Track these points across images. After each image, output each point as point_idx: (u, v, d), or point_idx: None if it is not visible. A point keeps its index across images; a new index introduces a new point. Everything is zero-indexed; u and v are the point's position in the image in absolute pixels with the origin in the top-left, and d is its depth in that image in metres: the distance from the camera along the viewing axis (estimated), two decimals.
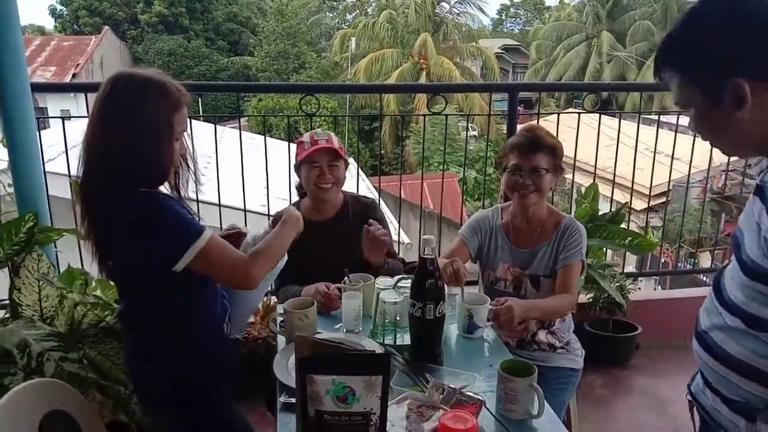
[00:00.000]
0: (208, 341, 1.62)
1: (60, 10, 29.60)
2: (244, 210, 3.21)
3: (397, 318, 1.70)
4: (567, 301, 2.07)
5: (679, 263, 9.54)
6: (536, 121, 3.38)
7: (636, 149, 3.37)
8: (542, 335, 2.16)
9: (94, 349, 1.95)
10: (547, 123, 3.11)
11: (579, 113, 3.25)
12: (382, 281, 1.82)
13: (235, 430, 1.75)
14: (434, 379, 1.46)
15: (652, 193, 4.05)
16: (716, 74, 1.05)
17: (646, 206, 4.26)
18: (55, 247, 2.50)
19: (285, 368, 1.55)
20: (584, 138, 3.32)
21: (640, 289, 3.75)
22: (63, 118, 2.80)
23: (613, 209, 3.22)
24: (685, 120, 1.59)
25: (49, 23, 32.06)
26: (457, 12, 23.68)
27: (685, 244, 10.23)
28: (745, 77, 1.02)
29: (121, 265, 1.53)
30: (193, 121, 3.07)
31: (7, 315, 2.05)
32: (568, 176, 2.90)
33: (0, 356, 1.73)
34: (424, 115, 3.34)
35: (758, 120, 1.05)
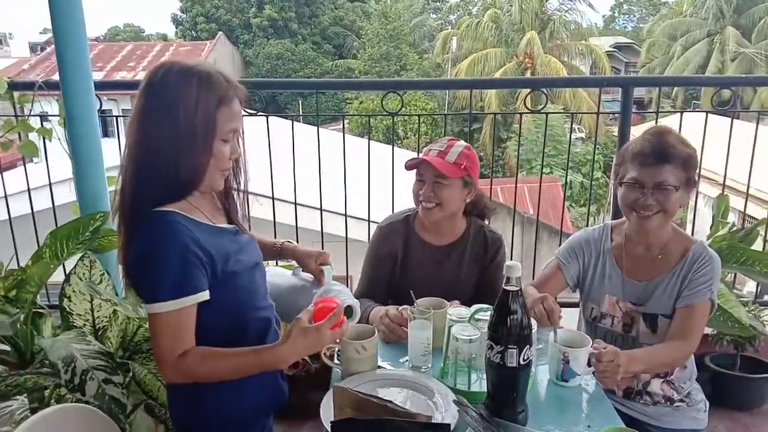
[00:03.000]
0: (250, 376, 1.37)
1: (180, 17, 31.47)
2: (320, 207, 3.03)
3: (473, 356, 1.41)
4: (680, 352, 1.68)
5: None
6: (655, 122, 2.94)
7: None
8: (656, 385, 1.77)
9: (144, 367, 1.81)
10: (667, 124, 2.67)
11: (707, 113, 2.76)
12: (456, 312, 1.52)
13: None
14: None
15: None
16: None
17: None
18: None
19: (332, 415, 1.30)
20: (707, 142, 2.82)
21: None
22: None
23: (743, 225, 2.72)
24: None
25: (171, 30, 34.25)
26: (566, 9, 22.58)
27: None
28: None
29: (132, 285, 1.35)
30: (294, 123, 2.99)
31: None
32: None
33: (46, 369, 1.64)
34: (521, 113, 2.99)
35: None
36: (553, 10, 22.67)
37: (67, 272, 1.95)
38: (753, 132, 2.80)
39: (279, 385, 1.51)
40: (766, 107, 19.73)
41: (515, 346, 1.23)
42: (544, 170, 15.87)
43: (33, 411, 1.97)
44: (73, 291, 1.89)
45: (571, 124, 4.47)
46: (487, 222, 2.06)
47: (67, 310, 1.88)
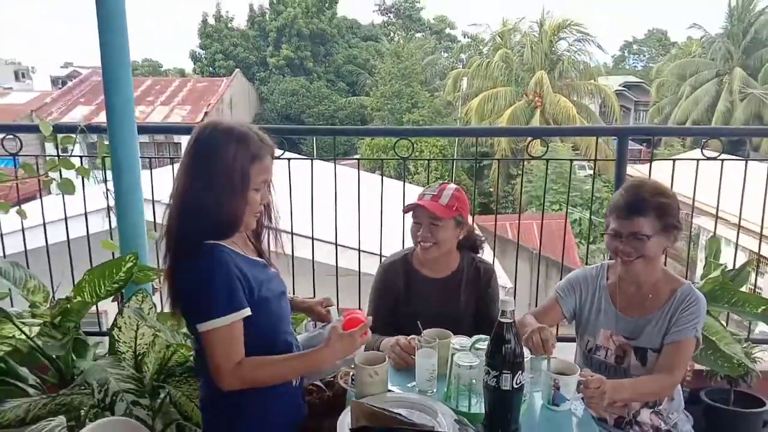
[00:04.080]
0: (273, 390, 1.57)
1: (199, 54, 32.40)
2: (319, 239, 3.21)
3: (473, 381, 1.58)
4: (665, 384, 1.84)
5: None
6: (649, 168, 3.13)
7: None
8: (645, 415, 1.92)
9: (178, 390, 2.00)
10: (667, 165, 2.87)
11: (698, 160, 2.95)
12: (459, 341, 1.71)
13: None
14: None
15: None
16: None
17: None
18: (160, 283, 2.62)
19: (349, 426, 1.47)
20: (714, 183, 3.00)
21: None
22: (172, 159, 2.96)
23: (739, 259, 2.87)
24: None
25: (189, 66, 35.20)
26: (575, 50, 23.07)
27: None
28: None
29: (181, 309, 1.55)
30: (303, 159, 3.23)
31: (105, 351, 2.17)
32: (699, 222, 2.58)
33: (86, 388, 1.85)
34: (523, 160, 3.19)
35: None
36: (562, 51, 23.15)
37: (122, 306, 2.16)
38: (763, 171, 2.96)
39: (300, 403, 1.70)
40: None
41: (509, 372, 1.41)
42: (554, 207, 16.06)
43: (70, 429, 2.16)
44: (124, 322, 2.10)
45: (570, 169, 4.67)
46: (480, 252, 2.27)
47: (115, 337, 2.09)
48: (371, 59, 31.53)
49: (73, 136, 2.86)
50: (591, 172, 19.58)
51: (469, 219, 2.16)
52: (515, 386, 1.42)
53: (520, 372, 1.42)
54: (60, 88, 24.06)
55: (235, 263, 1.49)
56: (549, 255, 7.58)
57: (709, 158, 2.98)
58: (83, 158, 2.96)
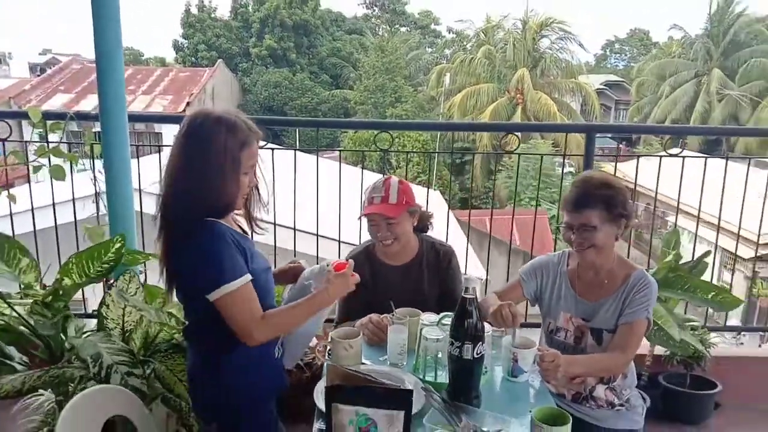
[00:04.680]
0: (258, 360, 1.71)
1: (182, 43, 32.14)
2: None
3: (439, 355, 1.73)
4: (618, 362, 1.98)
5: None
6: (614, 165, 3.31)
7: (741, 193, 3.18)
8: (600, 390, 2.07)
9: (163, 364, 2.11)
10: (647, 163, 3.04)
11: (660, 157, 3.13)
12: (427, 317, 1.86)
13: None
14: (467, 419, 1.47)
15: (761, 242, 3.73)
16: None
17: (754, 255, 3.96)
18: (144, 267, 2.72)
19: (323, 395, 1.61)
20: (690, 180, 3.17)
21: (742, 344, 3.49)
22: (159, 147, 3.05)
23: (713, 255, 3.05)
24: None
25: (170, 55, 34.85)
26: (558, 48, 23.36)
27: None
28: None
29: (179, 284, 1.67)
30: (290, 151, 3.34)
31: (95, 328, 2.27)
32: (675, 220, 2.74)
33: (77, 363, 1.95)
34: (497, 153, 3.35)
35: None
36: (545, 48, 23.42)
37: (110, 284, 2.26)
38: (741, 172, 3.16)
39: (282, 373, 1.84)
40: (750, 149, 20.43)
41: (471, 343, 1.56)
42: (533, 203, 16.33)
43: (58, 403, 2.26)
44: (112, 300, 2.20)
45: (540, 166, 4.82)
46: (429, 228, 2.39)
47: (104, 315, 2.19)
48: (355, 52, 31.52)
49: (62, 122, 2.95)
50: (569, 169, 19.94)
51: (415, 199, 2.25)
52: (476, 356, 1.57)
53: (480, 343, 1.57)
54: (38, 76, 23.71)
55: (232, 235, 1.62)
56: (527, 249, 7.79)
57: (670, 155, 3.16)
58: (70, 145, 3.05)
